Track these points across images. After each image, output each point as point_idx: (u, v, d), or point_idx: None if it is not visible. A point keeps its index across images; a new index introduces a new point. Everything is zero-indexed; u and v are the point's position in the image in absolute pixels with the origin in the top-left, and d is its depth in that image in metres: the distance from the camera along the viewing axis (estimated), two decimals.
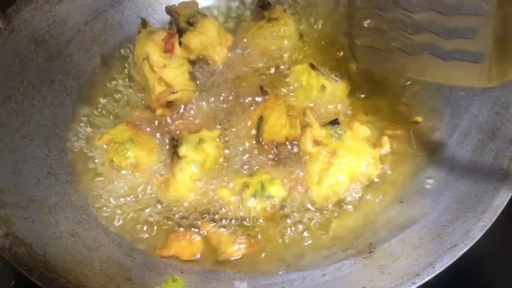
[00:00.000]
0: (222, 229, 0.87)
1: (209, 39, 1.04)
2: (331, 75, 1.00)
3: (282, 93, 1.00)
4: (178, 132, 0.98)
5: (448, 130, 0.90)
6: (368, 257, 0.77)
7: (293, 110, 0.95)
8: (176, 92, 0.98)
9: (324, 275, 0.78)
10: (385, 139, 0.90)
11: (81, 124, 1.02)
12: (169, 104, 1.00)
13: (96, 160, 0.96)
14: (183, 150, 0.90)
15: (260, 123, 0.93)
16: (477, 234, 0.70)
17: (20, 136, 0.92)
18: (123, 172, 0.93)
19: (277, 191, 0.87)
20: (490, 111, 0.85)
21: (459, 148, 0.86)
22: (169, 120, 1.01)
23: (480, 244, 0.71)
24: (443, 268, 0.69)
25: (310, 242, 0.85)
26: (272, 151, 0.93)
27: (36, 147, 0.93)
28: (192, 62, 1.07)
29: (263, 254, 0.84)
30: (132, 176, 0.94)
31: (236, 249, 0.84)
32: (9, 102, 0.93)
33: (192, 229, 0.88)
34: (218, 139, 0.95)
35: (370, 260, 0.76)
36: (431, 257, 0.70)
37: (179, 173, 0.89)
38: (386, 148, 0.89)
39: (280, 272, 0.80)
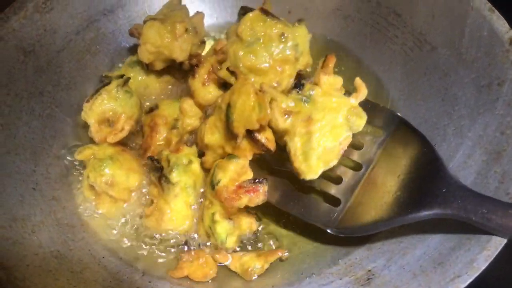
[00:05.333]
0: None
1: (155, 44, 0.97)
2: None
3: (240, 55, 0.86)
4: (153, 148, 0.93)
5: (450, 149, 0.87)
6: (366, 285, 0.74)
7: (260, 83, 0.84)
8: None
9: None
10: (358, 81, 0.82)
11: (71, 138, 0.99)
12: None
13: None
14: (174, 176, 0.84)
15: (228, 112, 0.78)
16: (482, 264, 0.66)
17: (6, 151, 0.88)
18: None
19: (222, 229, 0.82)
20: (496, 131, 0.81)
21: (462, 169, 0.82)
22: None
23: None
24: None
25: (305, 266, 0.82)
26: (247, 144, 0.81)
27: (22, 162, 0.89)
28: (169, 67, 1.04)
29: None
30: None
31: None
32: None
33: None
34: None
35: None
36: (432, 287, 0.67)
37: (173, 201, 0.84)
38: (363, 92, 0.81)
39: None
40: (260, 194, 0.76)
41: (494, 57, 0.85)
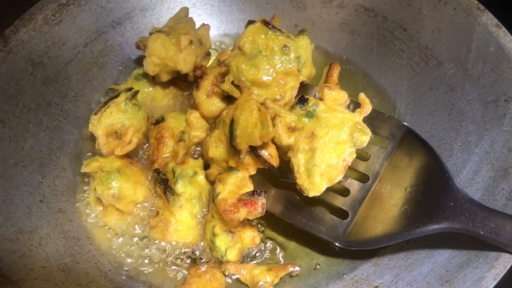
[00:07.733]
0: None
1: (159, 56, 0.96)
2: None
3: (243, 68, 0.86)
4: (160, 160, 0.93)
5: (457, 165, 0.87)
6: None
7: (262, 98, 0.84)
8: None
9: None
10: (362, 96, 0.82)
11: (78, 150, 0.99)
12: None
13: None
14: (179, 187, 0.84)
15: (232, 128, 0.78)
16: (490, 283, 0.66)
17: (13, 163, 0.88)
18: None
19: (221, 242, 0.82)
20: (503, 147, 0.81)
21: (469, 185, 0.82)
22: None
23: None
24: None
25: (311, 281, 0.82)
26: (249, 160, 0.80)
27: (29, 173, 0.89)
28: (175, 79, 1.04)
29: None
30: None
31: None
32: (3, 126, 0.89)
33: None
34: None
35: None
36: None
37: (178, 212, 0.84)
38: (367, 107, 0.81)
39: None
40: (258, 207, 0.76)
41: (501, 73, 0.85)
